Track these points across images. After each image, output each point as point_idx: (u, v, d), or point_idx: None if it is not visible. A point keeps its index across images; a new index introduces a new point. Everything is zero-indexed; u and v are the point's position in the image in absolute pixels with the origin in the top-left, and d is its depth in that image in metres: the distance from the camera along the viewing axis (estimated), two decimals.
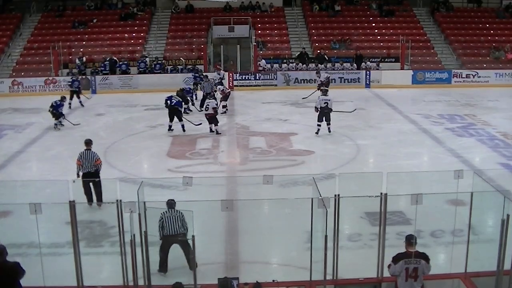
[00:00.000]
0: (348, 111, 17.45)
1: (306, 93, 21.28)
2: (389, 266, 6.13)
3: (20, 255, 7.74)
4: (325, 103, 15.28)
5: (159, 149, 14.45)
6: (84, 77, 23.79)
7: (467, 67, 25.11)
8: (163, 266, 7.53)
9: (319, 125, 15.49)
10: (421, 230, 8.27)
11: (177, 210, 7.50)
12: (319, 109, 15.39)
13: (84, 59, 24.96)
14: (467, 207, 6.64)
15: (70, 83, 20.58)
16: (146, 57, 25.29)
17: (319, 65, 24.92)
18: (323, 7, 28.98)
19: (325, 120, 15.41)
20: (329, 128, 15.56)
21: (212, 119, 15.93)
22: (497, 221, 5.99)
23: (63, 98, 17.44)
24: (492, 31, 27.61)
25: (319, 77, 21.64)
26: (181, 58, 25.44)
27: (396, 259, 6.06)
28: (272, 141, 15.13)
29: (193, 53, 26.14)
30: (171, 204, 7.56)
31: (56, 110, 16.72)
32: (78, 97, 20.36)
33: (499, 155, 13.55)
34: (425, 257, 6.04)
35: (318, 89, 21.14)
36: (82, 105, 20.39)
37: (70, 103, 19.75)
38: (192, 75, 22.39)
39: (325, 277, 6.13)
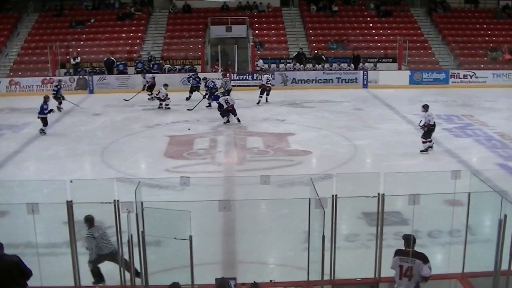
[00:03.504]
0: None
1: (306, 93, 21.17)
2: None
3: (17, 255, 7.73)
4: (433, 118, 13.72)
5: (156, 149, 14.44)
6: (81, 77, 23.81)
7: (465, 68, 25.15)
8: (100, 277, 7.33)
9: (430, 141, 13.78)
10: (419, 230, 8.27)
11: (99, 226, 7.22)
12: (431, 125, 13.64)
13: (79, 59, 24.90)
14: (464, 208, 6.65)
15: (55, 92, 19.68)
16: (152, 56, 25.33)
17: (317, 65, 24.97)
18: (320, 7, 29.00)
19: (428, 138, 13.75)
20: (432, 146, 13.91)
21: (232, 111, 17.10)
22: (494, 222, 6.00)
23: (46, 98, 16.47)
24: (489, 32, 27.66)
25: (262, 75, 21.65)
26: (166, 66, 25.40)
27: (395, 254, 6.15)
28: (270, 141, 15.14)
29: (191, 53, 26.11)
30: (91, 220, 7.22)
31: (42, 113, 16.11)
32: (60, 103, 19.71)
33: (496, 155, 13.58)
34: (422, 257, 6.04)
35: (260, 91, 20.74)
36: (59, 110, 19.47)
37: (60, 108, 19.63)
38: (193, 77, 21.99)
39: (322, 277, 6.14)
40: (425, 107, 13.83)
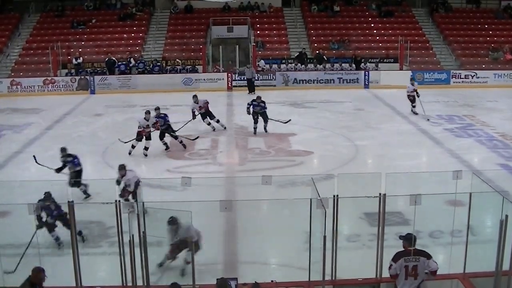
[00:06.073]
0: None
1: (308, 93, 21.13)
2: (390, 267, 6.03)
3: (19, 256, 7.74)
4: None
5: (158, 150, 14.43)
6: (82, 77, 23.83)
7: (466, 68, 25.12)
8: None
9: None
10: (420, 230, 8.25)
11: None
12: None
13: (81, 59, 24.93)
14: (465, 208, 6.64)
15: None
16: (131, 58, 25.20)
17: (318, 65, 24.92)
18: (322, 8, 29.00)
19: None
20: None
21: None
22: (496, 222, 5.99)
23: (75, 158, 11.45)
24: (491, 32, 27.63)
25: (413, 86, 18.57)
26: (177, 60, 25.43)
27: (396, 257, 6.02)
28: (271, 142, 15.13)
29: (192, 54, 26.12)
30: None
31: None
32: None
33: (497, 155, 13.55)
34: (425, 254, 6.03)
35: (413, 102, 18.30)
36: None
37: None
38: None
39: (323, 277, 6.14)
40: None
